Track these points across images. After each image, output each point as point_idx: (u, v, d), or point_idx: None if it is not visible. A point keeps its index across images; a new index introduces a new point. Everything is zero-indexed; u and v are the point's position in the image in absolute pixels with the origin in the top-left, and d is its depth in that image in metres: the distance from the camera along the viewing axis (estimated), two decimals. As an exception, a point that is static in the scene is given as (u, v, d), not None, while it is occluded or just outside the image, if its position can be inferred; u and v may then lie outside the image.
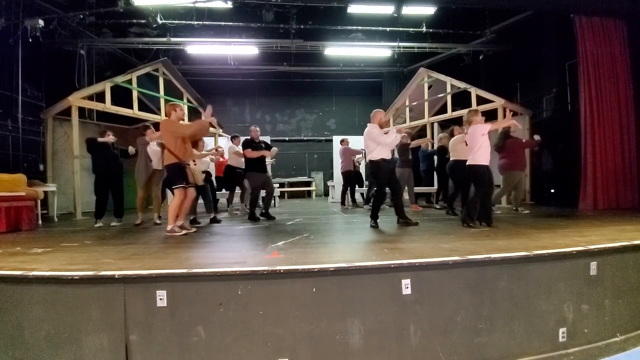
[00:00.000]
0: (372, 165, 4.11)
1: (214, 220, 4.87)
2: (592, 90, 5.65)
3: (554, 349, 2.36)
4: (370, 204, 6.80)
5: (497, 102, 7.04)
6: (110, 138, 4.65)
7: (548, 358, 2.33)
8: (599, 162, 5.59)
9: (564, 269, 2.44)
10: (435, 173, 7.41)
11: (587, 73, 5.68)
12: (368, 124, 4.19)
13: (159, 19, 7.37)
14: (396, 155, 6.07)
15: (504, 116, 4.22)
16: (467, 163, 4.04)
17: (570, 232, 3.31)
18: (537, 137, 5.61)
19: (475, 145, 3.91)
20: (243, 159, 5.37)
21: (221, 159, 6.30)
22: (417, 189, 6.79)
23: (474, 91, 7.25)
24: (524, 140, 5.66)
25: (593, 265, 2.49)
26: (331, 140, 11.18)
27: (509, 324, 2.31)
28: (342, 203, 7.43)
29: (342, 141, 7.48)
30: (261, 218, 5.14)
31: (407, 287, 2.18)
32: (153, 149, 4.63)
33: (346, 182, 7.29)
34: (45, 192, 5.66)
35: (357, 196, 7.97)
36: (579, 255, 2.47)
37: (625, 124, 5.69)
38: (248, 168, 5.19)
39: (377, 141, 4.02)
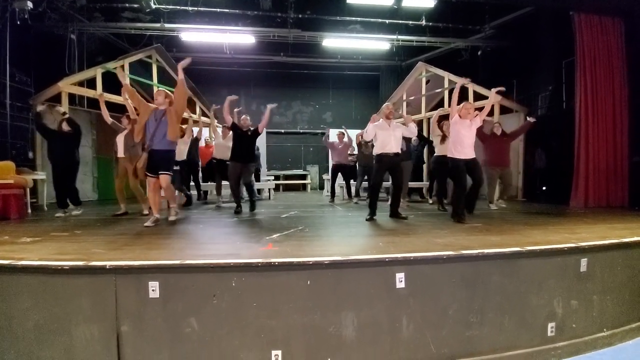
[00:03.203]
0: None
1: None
2: (588, 88, 5.67)
3: (543, 343, 2.41)
4: (360, 196, 6.81)
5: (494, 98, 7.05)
6: (65, 127, 4.46)
7: (536, 352, 2.38)
8: (592, 160, 5.65)
9: (555, 265, 2.48)
10: (427, 168, 7.47)
11: (583, 71, 5.69)
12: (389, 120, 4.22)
13: (152, 4, 7.16)
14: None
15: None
16: (448, 156, 4.06)
17: (561, 229, 3.35)
18: (531, 119, 5.52)
19: (455, 139, 3.94)
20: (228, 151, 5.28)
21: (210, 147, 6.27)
22: (411, 184, 6.80)
23: (471, 87, 7.24)
24: (509, 133, 5.56)
25: (583, 261, 2.52)
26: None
27: (500, 318, 2.35)
28: (332, 198, 7.01)
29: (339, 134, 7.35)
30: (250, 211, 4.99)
31: (401, 281, 2.20)
32: (120, 137, 4.62)
33: (334, 175, 7.06)
34: (35, 180, 5.54)
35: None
36: (570, 252, 2.51)
37: (618, 122, 5.73)
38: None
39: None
